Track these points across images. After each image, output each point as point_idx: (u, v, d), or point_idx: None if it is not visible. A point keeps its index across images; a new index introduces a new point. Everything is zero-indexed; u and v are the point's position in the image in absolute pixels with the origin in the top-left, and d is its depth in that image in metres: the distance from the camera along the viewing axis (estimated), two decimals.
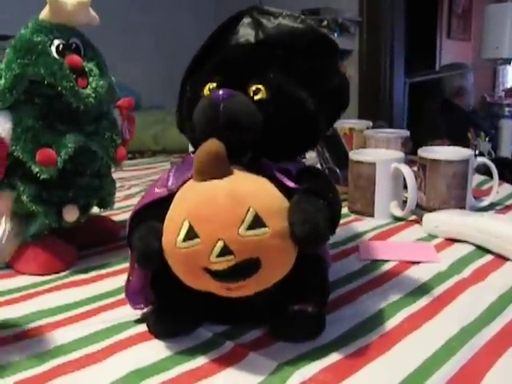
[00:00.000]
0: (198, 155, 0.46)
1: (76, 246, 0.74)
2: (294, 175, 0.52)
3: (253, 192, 0.45)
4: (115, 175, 0.80)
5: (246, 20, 0.57)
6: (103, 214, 0.84)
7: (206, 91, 0.54)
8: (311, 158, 1.13)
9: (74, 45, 0.68)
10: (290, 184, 0.50)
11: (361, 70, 2.95)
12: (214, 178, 0.46)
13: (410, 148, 1.14)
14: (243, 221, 0.43)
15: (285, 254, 0.46)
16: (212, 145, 0.46)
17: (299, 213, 0.46)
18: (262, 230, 0.44)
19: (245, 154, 0.51)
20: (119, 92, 0.75)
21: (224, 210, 0.44)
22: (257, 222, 0.44)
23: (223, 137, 0.47)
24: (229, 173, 0.46)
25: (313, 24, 0.56)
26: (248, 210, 0.44)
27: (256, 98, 0.52)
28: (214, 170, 0.46)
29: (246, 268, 0.44)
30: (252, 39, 0.56)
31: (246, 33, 0.56)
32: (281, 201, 0.47)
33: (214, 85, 0.53)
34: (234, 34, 0.57)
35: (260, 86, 0.52)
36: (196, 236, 0.44)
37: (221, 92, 0.50)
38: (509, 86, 4.72)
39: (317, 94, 0.55)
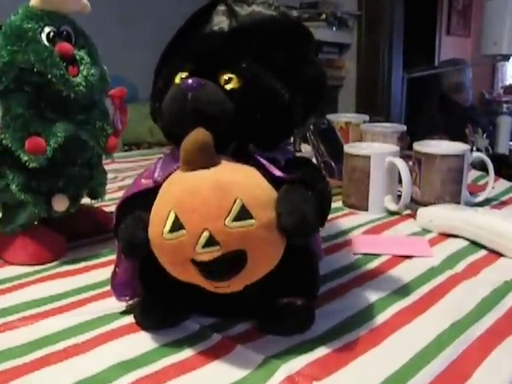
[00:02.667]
0: (185, 145, 0.45)
1: (66, 237, 0.74)
2: (282, 165, 0.51)
3: (240, 182, 0.45)
4: (110, 167, 0.80)
5: (221, 8, 0.56)
6: (96, 205, 0.83)
7: (177, 80, 0.53)
8: (307, 151, 1.12)
9: (64, 32, 0.67)
10: (278, 173, 0.49)
11: (359, 64, 2.94)
12: (201, 168, 0.45)
13: (407, 143, 1.14)
14: (229, 212, 0.43)
15: (272, 246, 0.46)
16: (198, 134, 0.45)
17: (287, 203, 0.45)
18: (249, 221, 0.43)
19: (227, 143, 0.50)
20: (116, 84, 0.74)
21: (210, 200, 0.43)
22: (243, 214, 0.43)
23: (191, 126, 0.46)
24: (216, 163, 0.46)
25: (287, 11, 0.55)
26: (235, 201, 0.43)
27: (228, 87, 0.51)
28: (201, 160, 0.45)
29: (232, 260, 0.44)
30: (225, 27, 0.55)
31: (219, 21, 0.55)
32: (269, 192, 0.46)
33: (186, 74, 0.52)
34: (209, 22, 0.56)
35: (232, 76, 0.51)
36: (182, 227, 0.43)
37: (190, 81, 0.49)
38: (507, 83, 4.72)
39: (291, 84, 0.54)
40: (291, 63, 0.55)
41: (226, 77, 0.51)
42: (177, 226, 0.43)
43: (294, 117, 0.56)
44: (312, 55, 0.57)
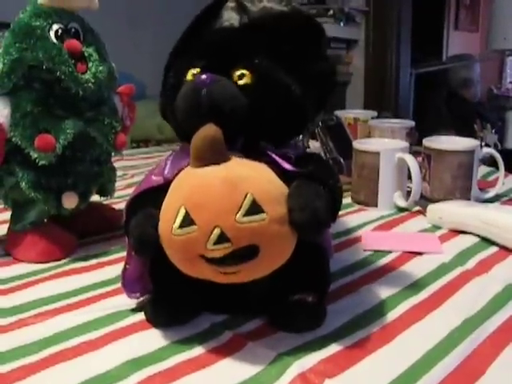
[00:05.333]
0: (195, 141, 0.45)
1: (76, 234, 0.74)
2: (293, 160, 0.51)
3: (250, 178, 0.44)
4: (118, 164, 0.80)
5: (231, 4, 0.55)
6: (105, 202, 0.83)
7: (189, 76, 0.52)
8: (315, 147, 1.12)
9: (73, 29, 0.67)
10: (289, 167, 0.49)
11: (367, 59, 2.93)
12: (211, 164, 0.45)
13: (416, 139, 1.13)
14: (240, 207, 0.42)
15: (283, 241, 0.45)
16: (209, 130, 0.45)
17: (298, 199, 0.45)
18: (260, 216, 0.43)
19: (234, 140, 0.50)
20: (124, 81, 0.74)
21: (221, 196, 0.43)
22: (254, 208, 0.43)
23: (206, 122, 0.46)
24: (226, 158, 0.45)
25: (298, 7, 0.55)
26: (245, 196, 0.43)
27: (240, 83, 0.51)
28: (211, 156, 0.45)
29: (244, 256, 0.43)
30: (236, 23, 0.54)
31: (230, 17, 0.55)
32: (279, 187, 0.46)
33: (198, 70, 0.52)
34: (219, 18, 0.55)
35: (245, 71, 0.51)
36: (192, 223, 0.43)
37: (204, 77, 0.49)
38: None
39: (303, 79, 0.53)
40: (303, 58, 0.54)
41: (238, 72, 0.51)
42: (187, 221, 0.43)
43: (306, 112, 0.55)
44: (323, 50, 0.56)
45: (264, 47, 0.53)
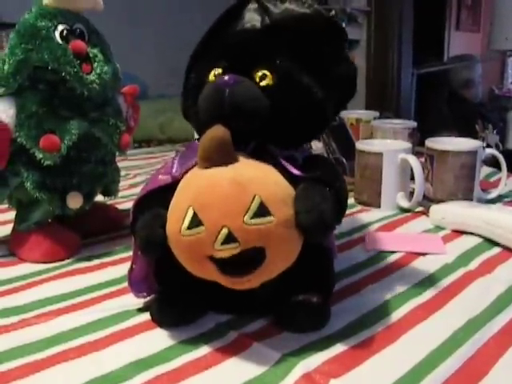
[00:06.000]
0: (203, 142, 0.45)
1: (80, 234, 0.74)
2: (299, 163, 0.51)
3: (258, 180, 0.45)
4: (121, 164, 0.80)
5: (252, 5, 0.56)
6: (108, 202, 0.83)
7: (211, 77, 0.53)
8: (318, 148, 1.12)
9: (78, 30, 0.67)
10: (296, 171, 0.49)
11: (368, 60, 2.93)
12: (219, 165, 0.45)
13: (418, 139, 1.13)
14: (248, 209, 0.43)
15: (290, 243, 0.46)
16: (217, 131, 0.45)
17: (305, 201, 0.45)
18: (267, 218, 0.43)
19: (250, 141, 0.50)
20: (127, 81, 0.74)
21: (229, 197, 0.43)
22: (262, 211, 0.43)
23: (228, 123, 0.46)
24: (234, 160, 0.46)
25: (320, 9, 0.55)
26: (253, 198, 0.43)
27: (262, 84, 0.51)
28: (219, 157, 0.45)
29: (251, 257, 0.44)
30: (258, 25, 0.55)
31: (251, 18, 0.55)
32: (286, 189, 0.46)
33: (220, 70, 0.52)
34: (240, 19, 0.56)
35: (266, 72, 0.51)
36: (200, 223, 0.43)
37: (226, 77, 0.49)
38: None
39: (324, 81, 0.54)
40: (324, 60, 0.55)
41: (260, 74, 0.51)
42: (195, 222, 0.43)
43: (327, 113, 0.56)
44: (345, 52, 0.57)
45: (286, 49, 0.53)
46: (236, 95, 0.49)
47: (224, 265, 0.44)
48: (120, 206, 0.86)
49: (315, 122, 0.55)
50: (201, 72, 0.54)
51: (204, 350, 0.49)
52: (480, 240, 0.76)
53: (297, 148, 0.54)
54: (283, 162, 0.49)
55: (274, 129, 0.51)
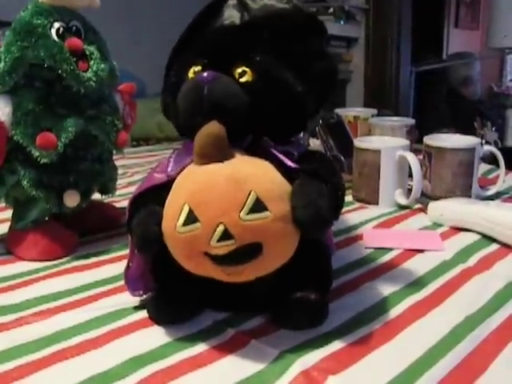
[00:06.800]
0: (198, 138, 0.45)
1: (77, 232, 0.74)
2: (295, 158, 0.51)
3: (254, 175, 0.44)
4: (119, 162, 0.80)
5: (232, 1, 0.55)
6: (106, 200, 0.83)
7: (190, 74, 0.52)
8: (315, 145, 1.12)
9: (74, 28, 0.67)
10: (291, 164, 0.49)
11: (367, 57, 2.92)
12: (215, 162, 0.45)
13: (416, 137, 1.13)
14: (244, 205, 0.42)
15: (287, 239, 0.45)
16: (213, 127, 0.45)
17: (302, 196, 0.45)
18: (264, 214, 0.43)
19: (243, 137, 0.50)
20: (124, 79, 0.74)
21: (224, 193, 0.43)
22: (258, 206, 0.43)
23: (207, 120, 0.46)
24: (229, 156, 0.45)
25: (299, 4, 0.55)
26: (249, 194, 0.43)
27: (242, 80, 0.51)
28: (215, 153, 0.45)
29: (247, 253, 0.43)
30: (237, 21, 0.54)
31: (231, 14, 0.55)
32: (283, 184, 0.46)
33: (199, 67, 0.52)
34: (219, 16, 0.55)
35: (246, 69, 0.51)
36: (196, 220, 0.43)
37: (205, 74, 0.49)
38: None
39: (304, 76, 0.53)
40: (304, 56, 0.54)
41: (239, 70, 0.51)
42: (191, 219, 0.43)
43: (307, 109, 0.55)
44: (324, 48, 0.56)
45: (265, 45, 0.53)
46: (215, 92, 0.49)
47: (220, 261, 0.44)
48: (117, 205, 0.86)
49: (295, 117, 0.55)
50: (180, 69, 0.54)
51: (201, 348, 0.49)
52: (478, 237, 0.76)
53: (291, 143, 0.53)
54: (278, 155, 0.49)
55: (255, 124, 0.51)
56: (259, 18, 0.54)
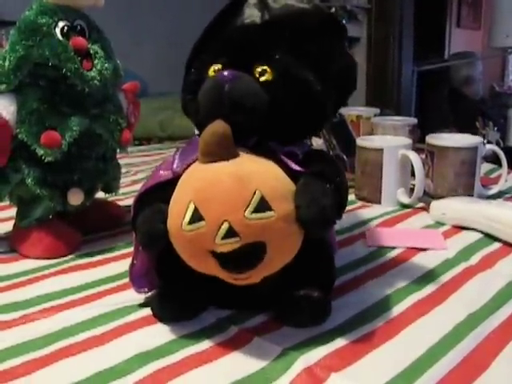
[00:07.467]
0: (204, 136, 0.45)
1: (80, 231, 0.74)
2: (300, 158, 0.51)
3: (259, 175, 0.45)
4: (122, 161, 0.80)
5: (252, 1, 0.56)
6: (109, 199, 0.83)
7: (211, 72, 0.53)
8: (318, 144, 1.12)
9: (78, 27, 0.67)
10: (296, 167, 0.49)
11: (369, 57, 2.93)
12: (220, 160, 0.45)
13: (418, 136, 1.13)
14: (249, 203, 0.43)
15: (291, 238, 0.46)
16: (218, 126, 0.45)
17: (305, 196, 0.45)
18: (268, 213, 0.43)
19: (250, 137, 0.50)
20: (127, 78, 0.74)
21: (229, 192, 0.43)
22: (263, 205, 0.43)
23: (228, 118, 0.46)
24: (235, 155, 0.46)
25: (319, 4, 0.55)
26: (254, 193, 0.43)
27: (262, 79, 0.51)
28: (220, 152, 0.45)
29: (252, 252, 0.44)
30: (258, 20, 0.55)
31: (251, 14, 0.55)
32: (287, 184, 0.46)
33: (219, 66, 0.52)
34: (240, 15, 0.56)
35: (266, 68, 0.51)
36: (201, 218, 0.43)
37: (226, 73, 0.49)
38: None
39: (324, 76, 0.54)
40: (324, 55, 0.55)
41: (259, 69, 0.51)
42: (196, 217, 0.44)
43: (326, 109, 0.56)
44: (344, 48, 0.57)
45: (285, 44, 0.53)
46: (235, 90, 0.49)
47: (225, 259, 0.44)
48: (121, 203, 0.87)
49: (315, 117, 0.55)
50: (201, 67, 0.54)
51: (205, 345, 0.49)
52: (480, 235, 0.76)
53: (297, 143, 0.54)
54: (283, 158, 0.49)
55: (274, 124, 0.51)
56: (280, 18, 0.54)
